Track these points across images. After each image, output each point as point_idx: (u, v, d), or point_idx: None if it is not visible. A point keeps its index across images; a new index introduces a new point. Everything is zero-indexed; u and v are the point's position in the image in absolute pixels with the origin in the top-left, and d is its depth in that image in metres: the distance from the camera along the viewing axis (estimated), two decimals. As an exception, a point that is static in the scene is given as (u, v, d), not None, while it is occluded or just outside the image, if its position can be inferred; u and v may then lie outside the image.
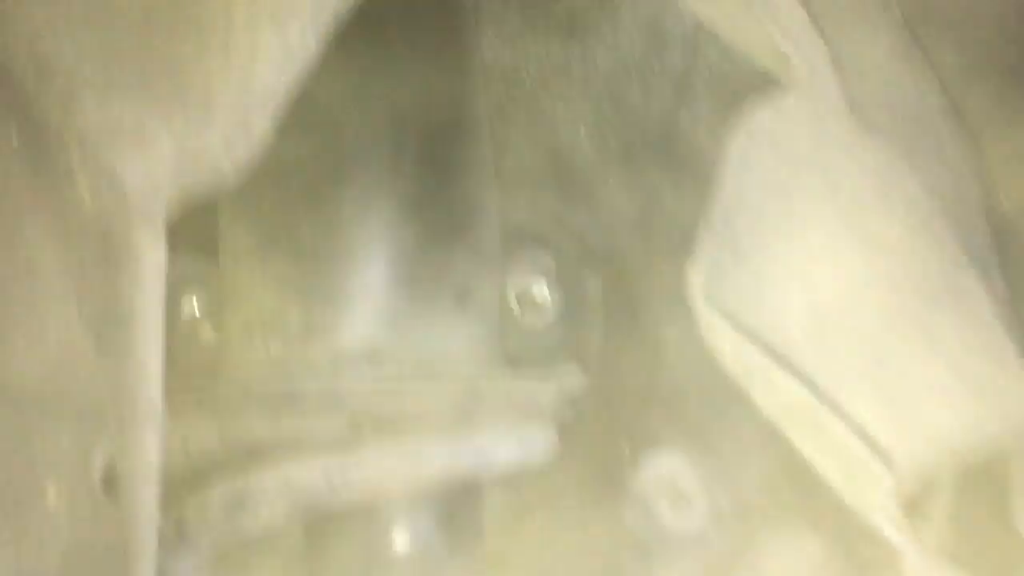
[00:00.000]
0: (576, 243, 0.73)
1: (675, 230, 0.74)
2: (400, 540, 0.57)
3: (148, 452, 0.42)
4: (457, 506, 0.59)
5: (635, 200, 0.73)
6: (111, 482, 0.46)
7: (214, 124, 0.36)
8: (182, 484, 0.52)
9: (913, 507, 0.43)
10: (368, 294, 0.55)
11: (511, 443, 0.56)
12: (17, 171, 0.41)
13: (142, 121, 0.36)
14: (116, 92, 0.36)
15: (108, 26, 0.38)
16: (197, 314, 0.65)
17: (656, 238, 0.74)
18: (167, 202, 0.37)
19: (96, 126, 0.36)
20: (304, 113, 0.45)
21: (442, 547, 0.58)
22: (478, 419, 0.55)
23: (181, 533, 0.52)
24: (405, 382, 0.54)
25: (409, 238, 0.56)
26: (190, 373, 0.59)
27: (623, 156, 0.72)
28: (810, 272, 0.43)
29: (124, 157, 0.36)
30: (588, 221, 0.73)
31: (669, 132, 0.73)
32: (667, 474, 0.74)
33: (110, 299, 0.39)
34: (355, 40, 0.48)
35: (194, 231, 0.50)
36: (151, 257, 0.37)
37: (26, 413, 0.47)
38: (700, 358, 0.64)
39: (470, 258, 0.59)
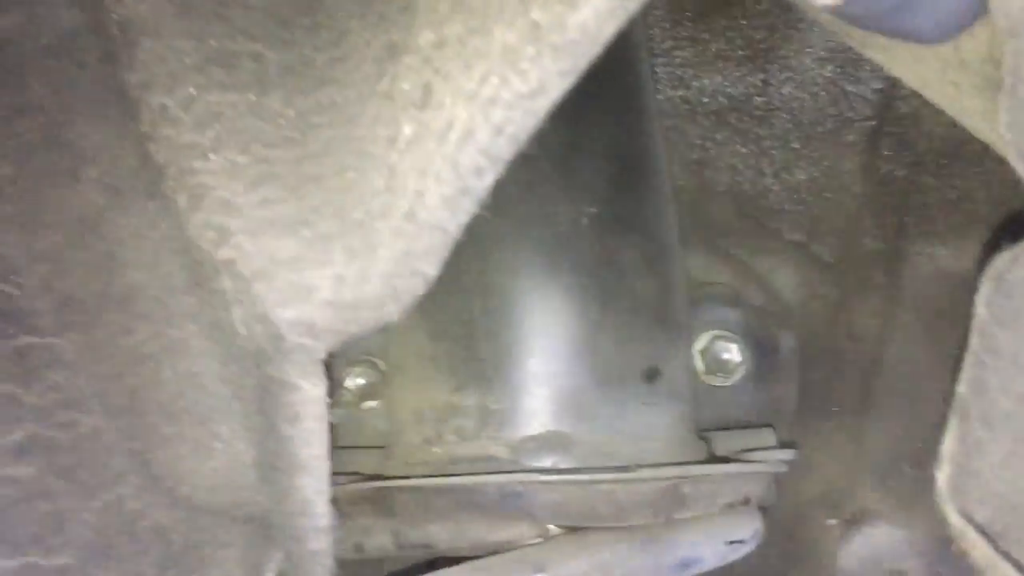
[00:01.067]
0: (767, 296, 0.66)
1: (877, 271, 0.66)
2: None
3: (319, 569, 0.40)
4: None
5: (829, 245, 0.66)
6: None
7: (376, 269, 0.30)
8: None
9: None
10: (548, 375, 0.49)
11: (718, 541, 0.49)
12: (178, 279, 0.37)
13: (298, 259, 0.31)
14: (269, 222, 0.32)
15: (260, 141, 0.33)
16: (363, 392, 0.61)
17: (853, 285, 0.66)
18: (327, 343, 0.32)
19: (248, 259, 0.32)
20: None
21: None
22: (680, 514, 0.48)
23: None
24: (595, 474, 0.47)
25: (591, 309, 0.50)
26: (358, 461, 0.55)
27: (813, 195, 0.65)
28: None
29: (279, 298, 0.31)
30: (779, 271, 0.65)
31: (865, 165, 0.64)
32: (881, 551, 0.66)
33: (270, 427, 0.35)
34: None
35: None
36: (309, 394, 0.33)
37: (198, 520, 0.45)
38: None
39: (659, 328, 0.52)
